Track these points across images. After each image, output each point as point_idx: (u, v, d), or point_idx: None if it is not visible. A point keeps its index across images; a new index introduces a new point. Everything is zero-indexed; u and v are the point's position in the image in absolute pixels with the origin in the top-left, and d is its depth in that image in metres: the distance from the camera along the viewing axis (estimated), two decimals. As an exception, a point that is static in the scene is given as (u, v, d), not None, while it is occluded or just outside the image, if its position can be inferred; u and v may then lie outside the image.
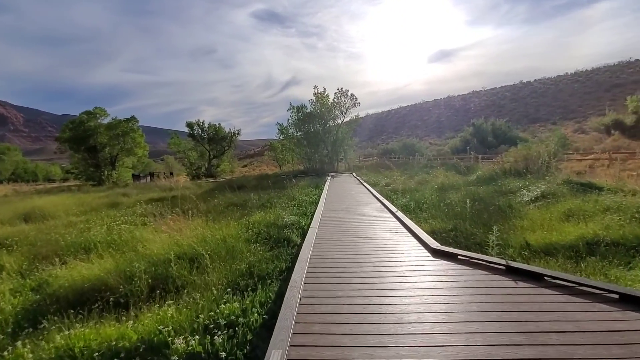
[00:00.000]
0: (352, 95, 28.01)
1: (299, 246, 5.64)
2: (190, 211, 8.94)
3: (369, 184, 14.50)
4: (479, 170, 13.38)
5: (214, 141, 39.35)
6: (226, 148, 39.94)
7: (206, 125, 39.68)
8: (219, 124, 39.62)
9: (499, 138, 29.79)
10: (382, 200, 9.28)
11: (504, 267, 3.63)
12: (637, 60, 64.67)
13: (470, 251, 5.18)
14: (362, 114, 33.68)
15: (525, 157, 12.95)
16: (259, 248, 6.01)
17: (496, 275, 3.49)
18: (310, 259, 4.31)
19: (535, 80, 75.75)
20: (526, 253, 5.01)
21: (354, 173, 23.27)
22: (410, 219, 6.84)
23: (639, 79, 51.97)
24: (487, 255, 4.24)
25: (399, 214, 7.04)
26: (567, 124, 42.87)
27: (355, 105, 28.21)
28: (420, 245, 4.76)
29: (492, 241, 4.59)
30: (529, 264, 4.19)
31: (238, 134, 40.10)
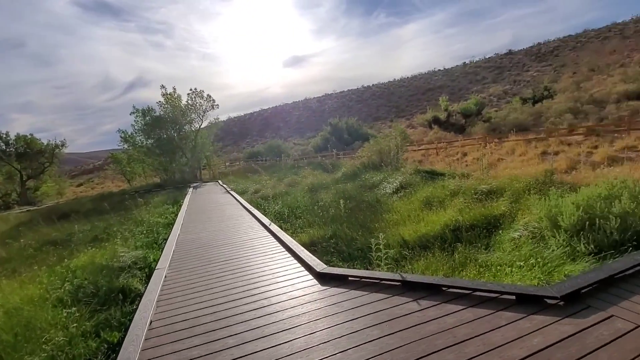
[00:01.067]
0: (209, 96, 25.78)
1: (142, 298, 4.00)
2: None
3: (237, 193, 13.16)
4: (343, 167, 13.85)
5: (26, 157, 29.93)
6: (46, 165, 30.97)
7: (12, 137, 29.82)
8: (31, 135, 30.38)
9: (353, 135, 32.92)
10: (253, 212, 8.19)
11: (399, 283, 3.11)
12: (439, 70, 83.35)
13: (356, 261, 4.66)
14: (223, 117, 31.67)
15: (380, 152, 14.12)
16: (77, 314, 4.03)
17: (395, 297, 2.92)
18: (148, 327, 2.87)
19: (373, 84, 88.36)
20: (407, 252, 4.83)
21: (219, 181, 21.31)
22: (287, 231, 6.01)
23: (443, 84, 66.93)
24: (378, 269, 3.73)
25: (274, 227, 6.11)
26: (401, 121, 51.42)
27: (213, 108, 26.06)
28: (304, 269, 3.92)
29: (378, 254, 4.15)
30: (424, 274, 3.90)
31: (62, 146, 31.63)
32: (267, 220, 6.91)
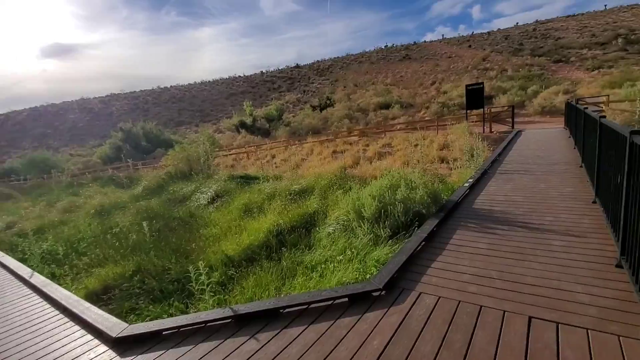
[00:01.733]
0: None
1: None
2: None
3: (-34, 234, 8.71)
4: (144, 179, 11.71)
5: None
6: None
7: None
8: None
9: (153, 142, 29.03)
10: (3, 261, 5.44)
11: (231, 319, 2.58)
12: (239, 76, 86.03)
13: (172, 298, 3.77)
14: None
15: (188, 159, 12.84)
16: None
17: (228, 341, 2.37)
18: None
19: (172, 86, 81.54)
20: (233, 271, 4.31)
21: None
22: (63, 280, 4.25)
23: (245, 90, 69.36)
24: (202, 305, 3.02)
25: (38, 280, 4.16)
26: (207, 126, 49.70)
27: None
28: (92, 337, 2.71)
29: (201, 281, 3.43)
30: (257, 298, 3.44)
31: None
32: (27, 270, 4.69)
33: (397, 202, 4.40)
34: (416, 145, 15.57)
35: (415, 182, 4.80)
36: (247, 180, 9.86)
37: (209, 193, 8.61)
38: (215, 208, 7.61)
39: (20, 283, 4.34)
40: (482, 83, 17.17)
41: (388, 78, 53.97)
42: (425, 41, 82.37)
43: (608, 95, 15.25)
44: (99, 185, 12.50)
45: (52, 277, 4.96)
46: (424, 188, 4.54)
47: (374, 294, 2.69)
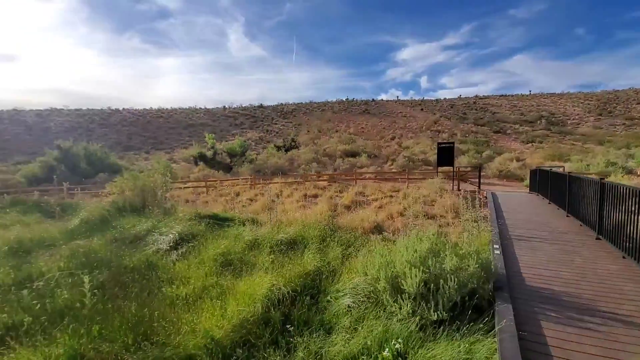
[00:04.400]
0: None
1: None
2: None
3: None
4: (82, 209, 9.56)
5: None
6: None
7: None
8: None
9: (96, 165, 25.74)
10: None
11: None
12: (200, 108, 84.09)
13: None
14: None
15: (142, 189, 10.96)
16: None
17: None
18: None
19: (124, 109, 76.85)
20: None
21: None
22: None
23: (205, 122, 67.31)
24: None
25: None
26: (159, 154, 46.35)
27: None
28: None
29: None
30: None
31: None
32: None
33: (448, 274, 3.47)
34: (391, 197, 15.25)
35: (463, 249, 3.94)
36: (218, 221, 8.36)
37: (170, 235, 6.98)
38: (180, 256, 6.02)
39: None
40: (453, 143, 17.87)
41: (350, 128, 56.00)
42: (382, 99, 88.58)
43: (563, 167, 16.54)
44: (19, 211, 9.98)
45: None
46: (475, 255, 3.68)
47: None
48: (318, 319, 3.73)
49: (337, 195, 15.98)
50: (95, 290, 4.34)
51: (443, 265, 3.62)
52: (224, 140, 45.43)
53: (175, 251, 6.32)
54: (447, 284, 3.40)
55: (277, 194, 16.67)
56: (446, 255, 3.72)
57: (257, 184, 20.15)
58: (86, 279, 4.11)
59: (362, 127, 55.31)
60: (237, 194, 17.15)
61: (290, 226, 7.48)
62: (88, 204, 10.62)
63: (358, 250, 5.96)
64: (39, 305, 3.96)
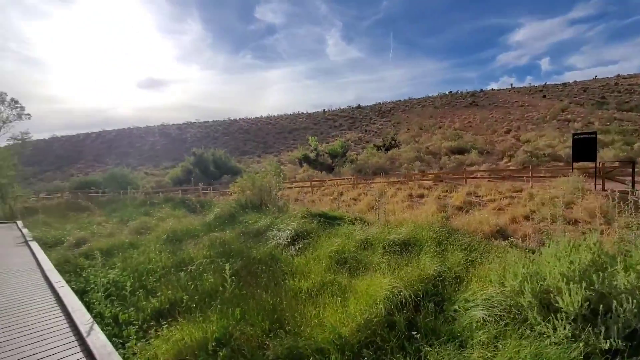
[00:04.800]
0: (14, 101, 18.49)
1: None
2: None
3: (44, 244, 8.56)
4: (216, 206, 11.13)
5: None
6: None
7: None
8: None
9: (221, 168, 29.89)
10: (60, 294, 4.65)
11: None
12: (302, 113, 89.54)
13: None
14: (44, 136, 22.95)
15: (260, 189, 12.16)
16: None
17: None
18: None
19: (240, 118, 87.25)
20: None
21: (19, 222, 14.58)
22: (129, 333, 3.19)
23: (307, 126, 71.44)
24: None
25: (96, 342, 3.11)
26: (269, 157, 51.18)
27: (21, 118, 18.74)
28: None
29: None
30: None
31: None
32: (87, 319, 3.68)
33: (623, 294, 2.76)
34: (512, 198, 13.38)
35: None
36: (327, 219, 8.66)
37: (287, 231, 7.53)
38: (297, 251, 6.43)
39: (74, 342, 3.30)
40: (595, 133, 14.66)
41: (456, 123, 51.71)
42: (492, 89, 79.24)
43: None
44: (171, 207, 12.25)
45: (115, 323, 4.00)
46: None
47: None
48: (447, 330, 3.43)
49: (445, 196, 14.86)
50: (232, 277, 4.93)
51: (614, 283, 2.90)
52: (325, 142, 47.36)
53: (292, 246, 6.77)
54: (621, 306, 2.71)
55: (381, 193, 16.44)
56: (617, 270, 2.97)
57: (359, 183, 20.30)
58: (227, 266, 4.69)
59: (469, 121, 50.45)
60: (341, 194, 17.57)
61: (400, 227, 7.21)
62: (219, 202, 12.29)
63: (483, 256, 5.35)
64: (192, 286, 4.69)
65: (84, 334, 3.17)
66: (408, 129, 53.32)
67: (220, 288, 4.56)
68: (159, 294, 4.67)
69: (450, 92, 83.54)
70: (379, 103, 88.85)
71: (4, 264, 6.75)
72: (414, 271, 4.67)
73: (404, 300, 3.89)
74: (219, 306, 3.96)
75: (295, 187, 22.30)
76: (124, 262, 6.15)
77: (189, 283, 4.80)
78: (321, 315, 3.68)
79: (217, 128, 76.00)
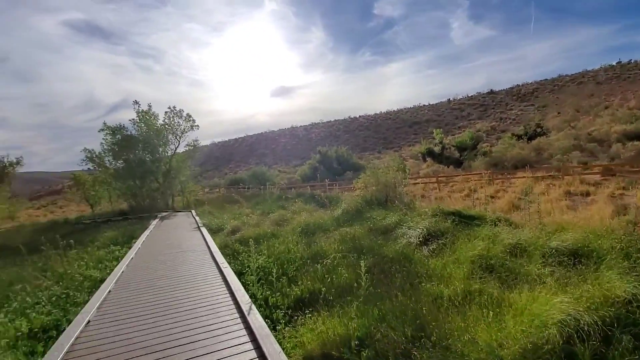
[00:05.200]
0: (188, 115, 23.37)
1: None
2: None
3: (210, 230, 10.50)
4: (343, 201, 11.52)
5: (-32, 175, 26.12)
6: (-6, 185, 27.16)
7: (-45, 151, 26.05)
8: (-19, 151, 26.74)
9: (344, 164, 31.00)
10: (226, 274, 5.47)
11: None
12: (424, 105, 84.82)
13: None
14: (206, 142, 28.77)
15: (385, 184, 11.96)
16: None
17: None
18: None
19: (360, 116, 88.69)
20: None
21: (193, 211, 18.45)
22: (279, 319, 3.49)
23: (429, 118, 67.41)
24: None
25: (256, 323, 3.50)
26: (390, 152, 50.43)
27: (192, 128, 23.57)
28: None
29: None
30: None
31: (17, 163, 28.06)
32: (246, 300, 4.19)
33: None
34: None
35: None
36: (463, 219, 7.81)
37: (418, 229, 7.11)
38: (431, 252, 5.98)
39: (237, 319, 3.78)
40: None
41: (630, 100, 40.08)
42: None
43: None
44: (302, 201, 13.31)
45: (266, 304, 4.48)
46: None
47: None
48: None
49: (622, 194, 11.54)
50: (365, 274, 4.89)
51: None
52: (450, 135, 43.62)
53: (425, 246, 6.33)
54: None
55: (527, 190, 13.97)
56: None
57: (496, 179, 17.77)
58: (362, 262, 4.67)
59: (656, 96, 38.35)
60: (473, 190, 15.73)
61: (563, 232, 5.86)
62: (345, 197, 12.66)
63: None
64: (329, 279, 4.86)
65: (245, 313, 3.64)
66: (559, 113, 44.04)
67: (355, 284, 4.57)
68: (299, 282, 5.02)
69: (620, 62, 64.97)
70: (517, 85, 76.31)
71: (185, 244, 8.57)
72: (595, 290, 3.66)
73: (586, 327, 3.06)
74: (356, 303, 3.96)
75: (420, 182, 21.21)
76: (268, 250, 6.90)
77: (325, 276, 4.99)
78: (471, 330, 3.23)
79: (339, 127, 79.31)
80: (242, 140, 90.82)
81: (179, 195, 26.38)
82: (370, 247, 6.29)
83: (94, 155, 23.66)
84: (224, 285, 4.87)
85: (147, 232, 10.97)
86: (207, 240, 8.47)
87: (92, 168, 24.80)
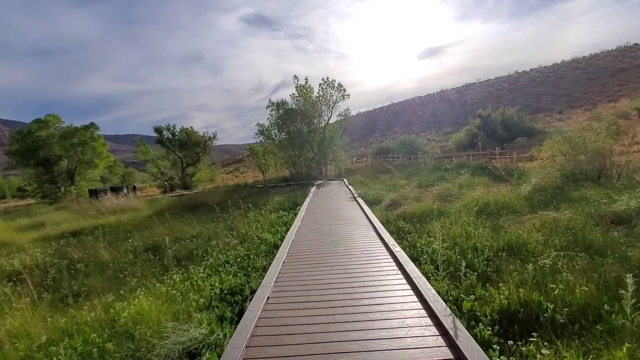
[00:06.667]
0: (340, 85, 23.67)
1: None
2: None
3: (366, 202, 10.10)
4: (531, 175, 9.05)
5: (186, 147, 34.54)
6: (200, 154, 35.16)
7: (178, 129, 34.90)
8: (191, 128, 34.90)
9: (512, 130, 25.70)
10: (402, 261, 4.56)
11: None
12: (635, 44, 61.64)
13: None
14: (353, 113, 29.06)
15: (598, 153, 8.70)
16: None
17: None
18: None
19: (531, 69, 72.31)
20: None
21: (345, 180, 18.85)
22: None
23: (648, 60, 48.57)
24: None
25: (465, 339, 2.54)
26: (576, 112, 39.19)
27: (344, 98, 23.86)
28: None
29: None
30: None
31: (214, 137, 35.38)
32: (444, 309, 3.04)
33: None
34: None
35: None
36: None
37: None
38: None
39: (429, 321, 2.91)
40: None
41: None
42: None
43: None
44: (469, 173, 11.33)
45: (458, 309, 3.46)
46: None
47: None
48: None
49: None
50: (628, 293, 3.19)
51: None
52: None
53: None
54: None
55: None
56: None
57: None
58: (630, 281, 3.01)
59: None
60: None
61: None
62: (535, 171, 9.99)
63: None
64: (553, 291, 3.40)
65: (449, 330, 2.65)
66: None
67: (604, 305, 2.99)
68: (499, 284, 3.76)
69: None
70: None
71: (345, 215, 8.39)
72: None
73: None
74: (618, 339, 2.47)
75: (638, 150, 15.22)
76: (441, 232, 5.77)
77: (543, 281, 3.55)
78: None
79: (501, 85, 67.07)
80: (386, 108, 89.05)
81: (331, 164, 27.79)
82: (605, 244, 4.31)
83: (264, 129, 27.21)
84: (401, 274, 4.10)
85: (307, 200, 11.55)
86: (368, 214, 7.97)
87: (262, 140, 28.73)
